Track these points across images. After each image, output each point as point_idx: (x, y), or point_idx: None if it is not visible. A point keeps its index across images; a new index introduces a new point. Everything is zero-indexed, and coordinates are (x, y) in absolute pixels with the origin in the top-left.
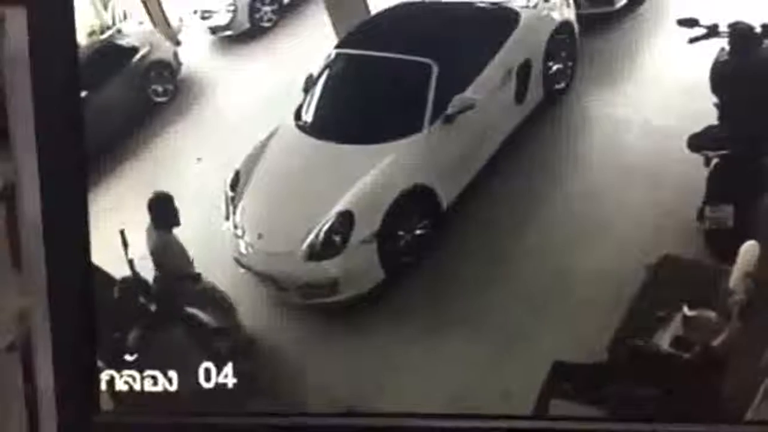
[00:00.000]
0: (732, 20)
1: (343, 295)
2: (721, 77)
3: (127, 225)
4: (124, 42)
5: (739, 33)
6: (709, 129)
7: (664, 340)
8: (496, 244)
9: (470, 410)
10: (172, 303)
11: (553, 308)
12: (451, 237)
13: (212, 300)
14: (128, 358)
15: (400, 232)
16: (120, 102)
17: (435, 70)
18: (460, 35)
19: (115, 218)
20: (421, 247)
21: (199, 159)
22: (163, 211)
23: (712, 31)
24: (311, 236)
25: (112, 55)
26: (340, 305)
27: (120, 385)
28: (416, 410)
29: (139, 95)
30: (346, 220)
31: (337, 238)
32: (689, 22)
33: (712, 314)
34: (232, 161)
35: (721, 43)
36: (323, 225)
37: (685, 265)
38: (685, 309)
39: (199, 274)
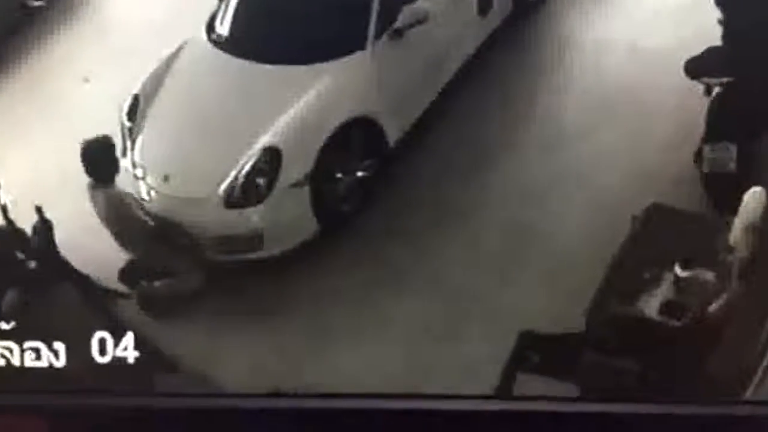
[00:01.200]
0: None
1: (268, 250)
2: None
3: None
4: None
5: None
6: (710, 51)
7: (651, 306)
8: (453, 190)
9: (423, 389)
10: (56, 258)
11: (520, 268)
12: (399, 181)
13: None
14: (3, 326)
15: (338, 174)
16: None
17: None
18: None
19: None
20: (362, 193)
21: (86, 80)
22: (103, 160)
23: None
24: (230, 178)
25: None
26: (264, 263)
27: None
28: (358, 390)
29: None
30: (272, 158)
31: (261, 181)
32: None
33: (708, 275)
34: (129, 83)
35: None
36: (244, 164)
37: (678, 216)
38: (677, 268)
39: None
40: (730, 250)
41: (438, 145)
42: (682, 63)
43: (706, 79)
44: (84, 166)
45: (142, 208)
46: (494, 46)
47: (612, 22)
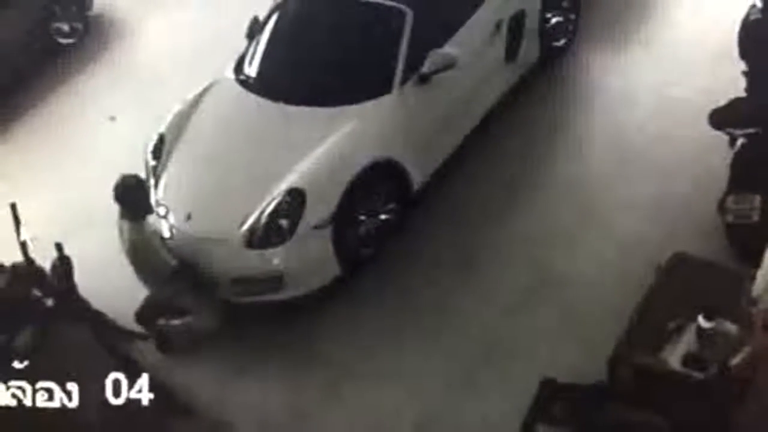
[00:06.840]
0: None
1: (287, 292)
2: (753, 40)
3: (19, 197)
4: None
5: None
6: (735, 102)
7: (674, 357)
8: (476, 234)
9: None
10: (74, 297)
11: (542, 316)
12: (423, 225)
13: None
14: (17, 365)
15: (361, 217)
16: (14, 43)
17: (409, 17)
18: None
19: (4, 189)
20: (386, 237)
21: (112, 118)
22: (134, 197)
23: None
24: (252, 218)
25: None
26: (283, 305)
27: (6, 399)
28: None
29: (39, 35)
30: (295, 199)
31: (284, 222)
32: None
33: (732, 327)
34: (155, 122)
35: None
36: (267, 205)
37: (701, 266)
38: (700, 320)
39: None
40: (753, 302)
41: (463, 188)
42: (707, 113)
43: (730, 130)
44: (116, 198)
45: (165, 246)
46: (521, 91)
47: (641, 68)
